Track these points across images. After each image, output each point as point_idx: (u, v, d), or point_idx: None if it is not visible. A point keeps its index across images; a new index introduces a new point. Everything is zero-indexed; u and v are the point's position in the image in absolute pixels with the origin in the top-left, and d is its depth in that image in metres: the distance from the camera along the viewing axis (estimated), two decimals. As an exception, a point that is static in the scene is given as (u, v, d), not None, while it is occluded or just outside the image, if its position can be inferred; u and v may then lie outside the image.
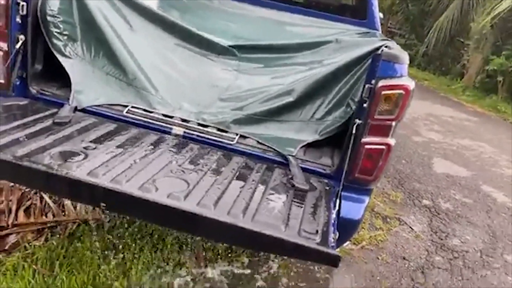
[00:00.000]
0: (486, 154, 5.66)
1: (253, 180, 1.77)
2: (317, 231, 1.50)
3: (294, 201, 1.68)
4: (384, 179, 4.20)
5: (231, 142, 2.07)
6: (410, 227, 3.42)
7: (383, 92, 1.69)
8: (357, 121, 1.79)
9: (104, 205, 1.52)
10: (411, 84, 1.70)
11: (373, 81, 1.74)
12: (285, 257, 2.63)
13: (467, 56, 11.05)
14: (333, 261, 1.43)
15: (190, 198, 1.52)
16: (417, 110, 7.11)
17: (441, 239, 3.31)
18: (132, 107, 2.13)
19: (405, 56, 1.75)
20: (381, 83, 1.70)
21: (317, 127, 2.13)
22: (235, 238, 1.53)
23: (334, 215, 1.64)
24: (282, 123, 2.15)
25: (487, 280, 2.89)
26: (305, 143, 2.08)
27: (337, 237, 1.53)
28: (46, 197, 2.50)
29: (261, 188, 1.72)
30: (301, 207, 1.65)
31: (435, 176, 4.56)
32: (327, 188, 1.86)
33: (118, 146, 1.79)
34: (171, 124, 2.06)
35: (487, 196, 4.26)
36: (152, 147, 1.87)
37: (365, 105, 1.77)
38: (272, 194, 1.70)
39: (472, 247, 3.28)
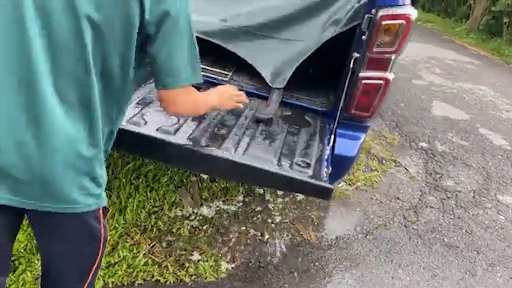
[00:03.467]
0: (486, 98, 5.59)
1: (246, 116, 1.72)
2: (309, 165, 1.48)
3: (288, 137, 1.65)
4: (382, 121, 4.16)
5: (224, 79, 2.00)
6: (406, 168, 3.44)
7: (384, 23, 1.59)
8: (355, 54, 1.70)
9: None
10: (413, 13, 1.59)
11: (373, 11, 1.63)
12: (282, 191, 2.66)
13: (474, -4, 10.60)
14: (325, 194, 1.42)
15: (180, 133, 1.48)
16: (419, 53, 6.93)
17: (436, 180, 3.34)
18: None
19: None
20: (381, 12, 1.59)
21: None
22: (227, 172, 1.51)
23: (328, 151, 1.62)
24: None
25: (479, 219, 2.94)
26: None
27: (330, 171, 1.51)
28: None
29: (254, 123, 1.68)
30: (295, 142, 1.62)
31: (434, 119, 4.52)
32: (322, 124, 1.82)
33: None
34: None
35: (484, 139, 4.25)
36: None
37: (363, 37, 1.67)
38: (265, 129, 1.66)
39: (465, 187, 3.31)
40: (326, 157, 1.57)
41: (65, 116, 0.91)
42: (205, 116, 1.64)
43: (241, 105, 1.40)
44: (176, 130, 1.50)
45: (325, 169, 1.48)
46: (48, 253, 1.17)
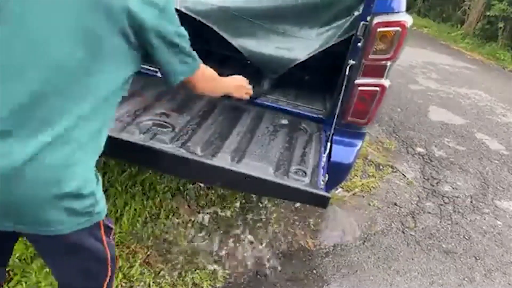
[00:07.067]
0: (482, 103, 5.61)
1: (242, 125, 1.72)
2: (305, 173, 1.47)
3: (284, 145, 1.64)
4: (379, 127, 4.16)
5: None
6: (403, 174, 3.43)
7: (379, 30, 1.60)
8: (351, 61, 1.70)
9: None
10: (408, 20, 1.60)
11: (368, 18, 1.63)
12: (279, 200, 2.64)
13: (468, 1, 10.67)
14: (322, 202, 1.42)
15: (175, 141, 1.48)
16: (415, 58, 6.96)
17: (433, 186, 3.34)
18: None
19: None
20: (376, 19, 1.59)
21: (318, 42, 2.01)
22: (223, 180, 1.50)
23: (324, 159, 1.61)
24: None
25: (476, 224, 2.94)
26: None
27: (326, 179, 1.50)
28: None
29: (250, 132, 1.68)
30: (291, 150, 1.61)
31: (430, 124, 4.53)
32: (318, 132, 1.81)
33: None
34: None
35: (481, 144, 4.26)
36: (136, 90, 1.79)
37: (359, 44, 1.67)
38: (261, 137, 1.66)
39: (463, 193, 3.31)
40: (322, 165, 1.56)
41: None
42: (202, 124, 1.64)
43: (247, 96, 1.62)
44: (172, 139, 1.49)
45: (322, 177, 1.48)
46: (54, 273, 1.16)
